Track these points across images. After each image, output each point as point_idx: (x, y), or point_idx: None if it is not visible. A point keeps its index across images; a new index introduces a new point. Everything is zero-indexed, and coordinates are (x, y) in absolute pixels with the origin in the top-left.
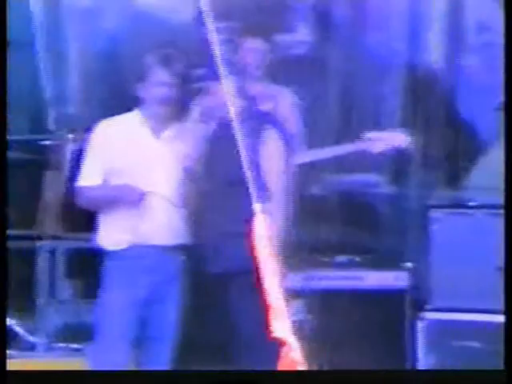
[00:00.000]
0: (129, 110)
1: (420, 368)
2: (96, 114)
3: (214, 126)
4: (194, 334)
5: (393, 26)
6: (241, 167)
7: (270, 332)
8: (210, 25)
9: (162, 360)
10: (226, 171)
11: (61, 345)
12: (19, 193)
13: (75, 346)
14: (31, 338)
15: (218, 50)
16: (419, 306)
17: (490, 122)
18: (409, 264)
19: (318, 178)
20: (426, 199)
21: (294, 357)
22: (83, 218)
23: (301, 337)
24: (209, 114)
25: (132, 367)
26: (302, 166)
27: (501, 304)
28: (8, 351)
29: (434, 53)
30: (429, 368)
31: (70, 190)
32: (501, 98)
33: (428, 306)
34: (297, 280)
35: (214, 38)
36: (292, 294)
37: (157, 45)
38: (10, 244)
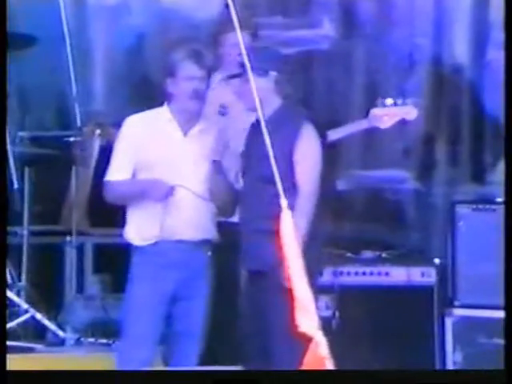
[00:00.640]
0: (155, 105)
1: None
2: (122, 109)
3: (247, 121)
4: (221, 330)
5: (418, 22)
6: (271, 163)
7: (298, 328)
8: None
9: (189, 356)
10: (257, 167)
11: (89, 340)
12: (47, 189)
13: (104, 341)
14: (60, 333)
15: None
16: (447, 302)
17: None
18: (436, 260)
19: (344, 173)
20: (453, 195)
21: (321, 353)
22: (110, 213)
23: (328, 333)
24: (241, 108)
25: (159, 363)
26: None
27: None
28: (37, 346)
29: (459, 48)
30: (455, 367)
31: (97, 186)
32: None
33: (456, 303)
34: (324, 276)
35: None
36: (319, 290)
37: (182, 41)
38: (38, 240)
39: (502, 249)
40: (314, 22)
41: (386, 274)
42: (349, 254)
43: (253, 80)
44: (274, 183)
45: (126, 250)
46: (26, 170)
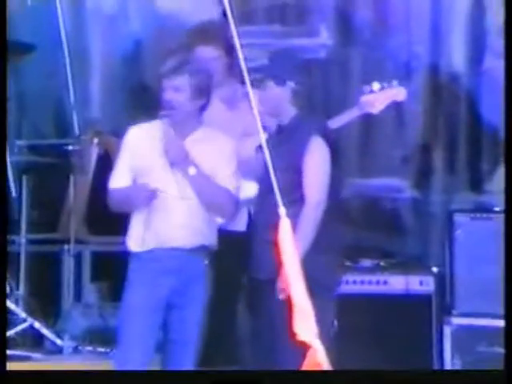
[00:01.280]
0: (153, 113)
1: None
2: (120, 117)
3: (254, 134)
4: (217, 336)
5: (415, 30)
6: (276, 173)
7: (296, 335)
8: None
9: (185, 363)
10: (262, 178)
11: (87, 348)
12: (44, 197)
13: (102, 349)
14: (58, 342)
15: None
16: (445, 310)
17: None
18: (434, 268)
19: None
20: (450, 204)
21: (320, 360)
22: (108, 221)
23: (326, 340)
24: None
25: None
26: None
27: None
28: (35, 354)
29: (456, 56)
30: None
31: (95, 194)
32: None
33: (454, 311)
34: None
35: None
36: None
37: (179, 48)
38: (36, 248)
39: (500, 257)
40: (311, 30)
41: (385, 282)
42: (347, 263)
43: (251, 92)
44: (282, 193)
45: (124, 258)
46: (24, 178)
